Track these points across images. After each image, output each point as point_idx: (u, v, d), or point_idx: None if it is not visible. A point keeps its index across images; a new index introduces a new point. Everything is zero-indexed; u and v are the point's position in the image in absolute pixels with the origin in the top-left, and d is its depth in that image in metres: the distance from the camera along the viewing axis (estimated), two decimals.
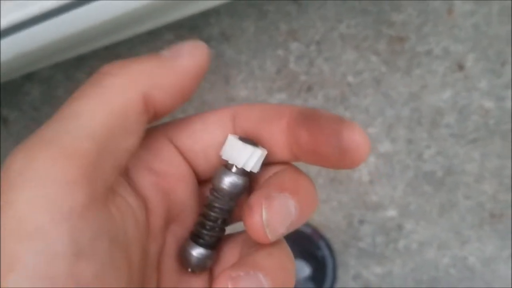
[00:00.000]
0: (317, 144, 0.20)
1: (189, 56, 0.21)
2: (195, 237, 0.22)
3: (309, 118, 0.20)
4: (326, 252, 0.60)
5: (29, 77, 0.58)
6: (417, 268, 0.63)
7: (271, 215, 0.20)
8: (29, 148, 0.17)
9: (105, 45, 0.53)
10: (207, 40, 0.60)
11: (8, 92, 0.57)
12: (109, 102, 0.19)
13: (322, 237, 0.60)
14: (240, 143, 0.21)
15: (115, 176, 0.19)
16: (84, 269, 0.17)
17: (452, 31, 0.62)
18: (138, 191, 0.21)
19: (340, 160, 0.20)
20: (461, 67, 0.62)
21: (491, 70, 0.62)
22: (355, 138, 0.19)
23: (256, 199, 0.20)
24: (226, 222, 0.23)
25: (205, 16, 0.59)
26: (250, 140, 0.22)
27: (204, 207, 0.23)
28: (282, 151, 0.21)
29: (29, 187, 0.17)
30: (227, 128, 0.23)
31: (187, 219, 0.23)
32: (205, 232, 0.22)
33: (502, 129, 0.62)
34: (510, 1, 0.61)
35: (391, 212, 0.62)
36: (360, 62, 0.61)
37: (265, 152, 0.22)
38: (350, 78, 0.61)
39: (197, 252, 0.22)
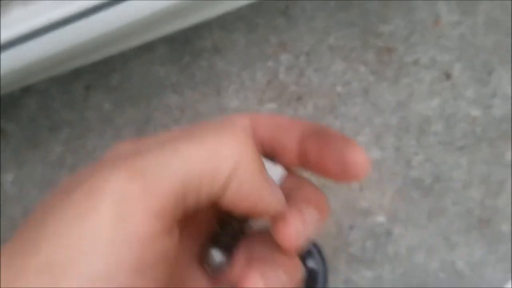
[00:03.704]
0: (324, 160, 0.24)
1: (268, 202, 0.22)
2: (214, 240, 0.25)
3: (319, 135, 0.24)
4: (317, 257, 0.61)
5: (26, 90, 0.59)
6: (407, 272, 0.64)
7: (304, 227, 0.23)
8: (126, 175, 0.19)
9: (98, 59, 0.54)
10: (200, 53, 0.61)
11: (6, 104, 0.59)
12: (207, 153, 0.20)
13: (313, 243, 0.61)
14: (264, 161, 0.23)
15: (184, 215, 0.21)
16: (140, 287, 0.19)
17: (439, 41, 0.63)
18: None
19: (343, 174, 0.23)
20: (448, 76, 0.63)
21: (477, 79, 0.63)
22: (357, 157, 0.23)
23: (290, 213, 0.23)
24: (244, 230, 0.25)
25: (198, 29, 0.60)
26: (269, 157, 0.25)
27: (224, 215, 0.25)
28: (291, 157, 0.25)
29: (117, 205, 0.19)
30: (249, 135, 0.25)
31: (201, 224, 0.25)
32: (223, 235, 0.25)
33: (489, 137, 0.64)
34: (495, 13, 0.62)
35: (380, 218, 0.64)
36: (348, 72, 0.62)
37: (285, 172, 0.25)
38: (339, 88, 0.63)
39: (216, 254, 0.24)
